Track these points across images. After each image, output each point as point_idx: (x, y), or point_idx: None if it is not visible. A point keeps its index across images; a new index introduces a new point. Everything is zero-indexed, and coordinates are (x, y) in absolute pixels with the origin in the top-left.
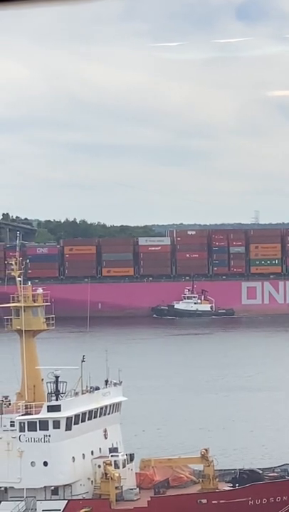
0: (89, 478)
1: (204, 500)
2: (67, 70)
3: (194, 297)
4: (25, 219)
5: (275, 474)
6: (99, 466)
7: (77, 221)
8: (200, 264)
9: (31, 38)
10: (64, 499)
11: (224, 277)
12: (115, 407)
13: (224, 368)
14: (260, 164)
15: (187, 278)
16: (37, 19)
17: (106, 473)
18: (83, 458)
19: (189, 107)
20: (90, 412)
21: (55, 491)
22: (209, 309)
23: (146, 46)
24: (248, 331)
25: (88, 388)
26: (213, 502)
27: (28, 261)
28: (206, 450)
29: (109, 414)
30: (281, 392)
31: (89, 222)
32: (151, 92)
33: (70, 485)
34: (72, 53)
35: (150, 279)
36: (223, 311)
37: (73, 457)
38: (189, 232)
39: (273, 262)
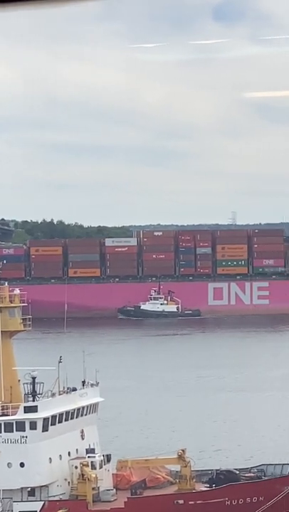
0: (66, 479)
1: (181, 501)
2: (45, 70)
3: (161, 298)
4: (2, 219)
5: (252, 475)
6: (76, 467)
7: (55, 222)
8: (166, 265)
9: (8, 39)
10: (41, 500)
11: (191, 278)
12: (92, 408)
13: (198, 368)
14: (238, 165)
15: (154, 279)
16: (13, 20)
17: (83, 474)
18: (60, 459)
19: (168, 107)
20: (67, 413)
21: (32, 492)
22: (175, 310)
23: (124, 47)
24: (216, 332)
25: (65, 389)
26: (190, 502)
27: (5, 261)
28: (183, 451)
29: (86, 415)
30: (255, 392)
31: (66, 223)
32: (130, 92)
33: (46, 486)
34: (50, 53)
35: (117, 279)
36: (190, 311)
37: (50, 458)
38: (156, 233)
39: (240, 262)
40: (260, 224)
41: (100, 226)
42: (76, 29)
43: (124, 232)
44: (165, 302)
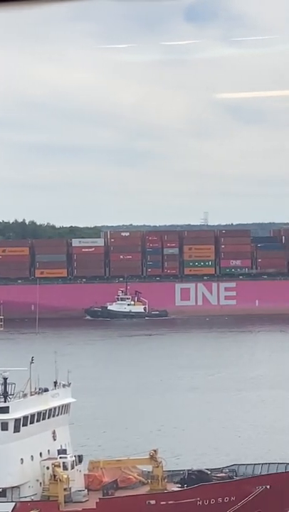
0: (37, 480)
1: (153, 501)
2: (18, 70)
3: (128, 299)
4: None
5: (223, 475)
6: (47, 468)
7: (26, 222)
8: (134, 266)
9: None
10: (12, 501)
11: (158, 279)
12: (64, 408)
13: (171, 368)
14: (210, 166)
15: (121, 279)
16: None
17: (54, 475)
18: (32, 460)
19: (140, 108)
20: (39, 413)
21: (3, 493)
22: (143, 311)
23: (96, 47)
24: (190, 333)
25: (37, 390)
26: (162, 503)
27: None
28: (155, 451)
29: (58, 415)
30: (229, 392)
31: (38, 223)
32: (102, 93)
33: (18, 487)
34: (23, 54)
35: (84, 280)
36: (157, 312)
37: (22, 459)
38: (123, 234)
39: (207, 263)
40: (231, 224)
41: (72, 226)
42: (49, 30)
43: (96, 232)
44: (132, 303)
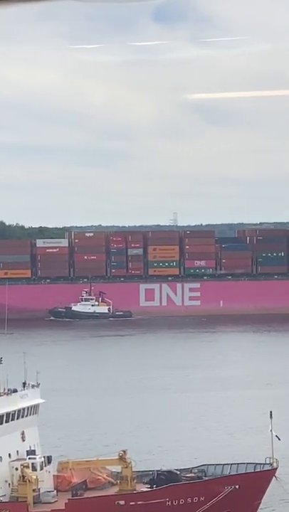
0: (6, 481)
1: (122, 502)
2: None
3: (92, 299)
4: None
5: (193, 475)
6: (16, 469)
7: None
8: (98, 266)
9: None
10: None
11: (122, 279)
12: (33, 409)
13: (139, 369)
14: (179, 166)
15: (85, 280)
16: None
17: (23, 476)
18: (0, 460)
19: (109, 108)
20: (8, 414)
21: None
22: (107, 311)
23: (65, 48)
24: (154, 333)
25: (5, 390)
26: (131, 503)
27: None
28: (124, 452)
29: (26, 416)
30: (198, 392)
31: (7, 224)
32: (71, 93)
33: None
34: None
35: (48, 281)
36: (121, 313)
37: None
38: (87, 234)
39: (171, 264)
40: (201, 225)
41: (41, 227)
42: (16, 30)
43: (64, 233)
44: (96, 303)
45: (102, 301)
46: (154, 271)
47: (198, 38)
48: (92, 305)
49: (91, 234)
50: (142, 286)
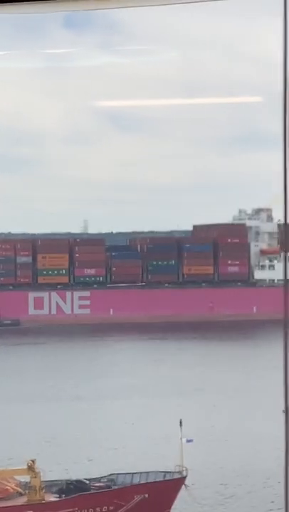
0: None
1: None
2: None
3: None
4: None
5: (102, 484)
6: None
7: None
8: None
9: None
10: None
11: (11, 287)
12: None
13: (41, 378)
14: (90, 173)
15: None
16: None
17: None
18: None
19: (18, 115)
20: None
21: None
22: None
23: None
24: (41, 342)
25: None
26: None
27: None
28: (33, 461)
29: None
30: (105, 400)
31: None
32: None
33: None
34: None
35: None
36: (8, 321)
37: None
38: None
39: (61, 272)
40: (111, 233)
41: None
42: None
43: None
44: None
45: None
46: (44, 279)
47: (108, 45)
48: None
49: None
50: (31, 294)
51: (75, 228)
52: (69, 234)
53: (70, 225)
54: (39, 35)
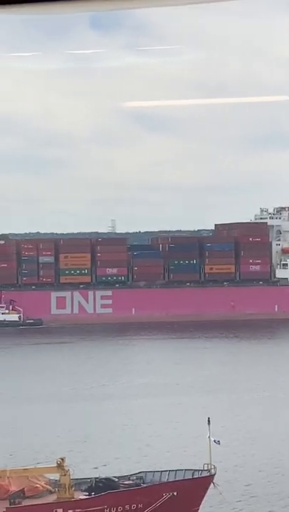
0: None
1: (60, 510)
2: None
3: (2, 307)
4: None
5: (131, 482)
6: None
7: None
8: (8, 274)
9: None
10: None
11: (33, 287)
12: None
13: (67, 376)
14: (116, 174)
15: None
16: None
17: None
18: None
19: (46, 116)
20: None
21: None
22: (17, 319)
23: (0, 56)
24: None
25: None
26: (69, 511)
27: None
28: (62, 459)
29: None
30: (132, 400)
31: None
32: (8, 101)
33: None
34: None
35: None
36: (31, 321)
37: None
38: None
39: (83, 271)
40: (139, 232)
41: None
42: None
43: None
44: (7, 311)
45: (12, 309)
46: (66, 279)
47: (134, 45)
48: (2, 313)
49: (2, 241)
50: (54, 294)
51: (103, 228)
52: (97, 233)
53: (97, 225)
54: (66, 37)
